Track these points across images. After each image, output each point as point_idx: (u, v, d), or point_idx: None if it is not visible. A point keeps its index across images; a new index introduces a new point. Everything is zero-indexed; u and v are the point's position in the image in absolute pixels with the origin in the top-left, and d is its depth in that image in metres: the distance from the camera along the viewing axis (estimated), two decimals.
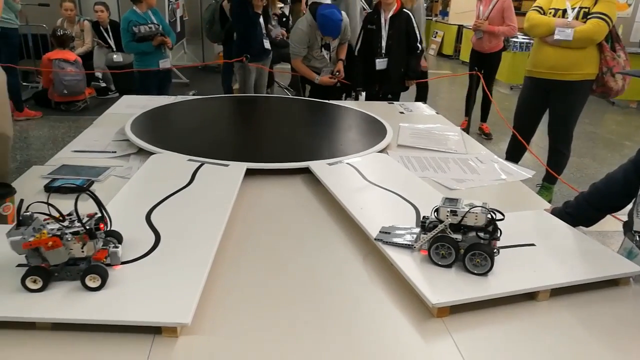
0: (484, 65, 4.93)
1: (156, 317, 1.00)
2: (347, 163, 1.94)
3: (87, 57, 5.83)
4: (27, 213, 1.10)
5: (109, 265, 1.12)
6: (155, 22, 4.16)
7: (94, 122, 2.47)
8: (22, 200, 1.10)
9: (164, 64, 4.26)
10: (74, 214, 1.10)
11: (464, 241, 1.19)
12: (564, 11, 3.17)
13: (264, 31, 4.16)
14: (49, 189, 1.64)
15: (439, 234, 1.20)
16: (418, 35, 3.55)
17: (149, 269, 1.15)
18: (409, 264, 1.22)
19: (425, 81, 4.59)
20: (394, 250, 1.28)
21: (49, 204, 1.10)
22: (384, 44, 3.46)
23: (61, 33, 5.39)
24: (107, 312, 1.00)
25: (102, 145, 2.11)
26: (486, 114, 5.20)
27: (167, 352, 0.97)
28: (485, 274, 1.17)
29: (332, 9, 3.41)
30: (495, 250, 1.18)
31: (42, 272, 1.05)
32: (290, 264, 1.31)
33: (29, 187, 1.67)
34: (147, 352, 0.97)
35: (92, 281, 1.06)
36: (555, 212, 1.57)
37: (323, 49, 3.57)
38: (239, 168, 1.81)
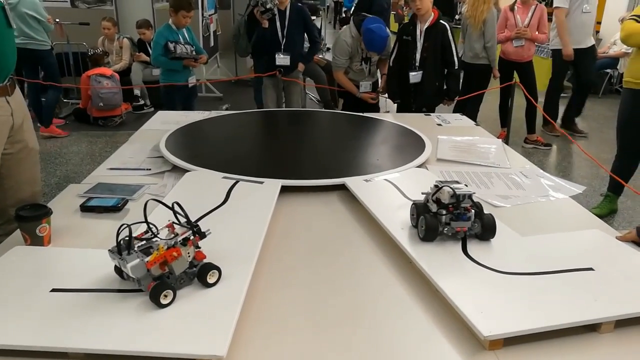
0: (519, 74, 4.79)
1: (191, 349, 0.95)
2: (385, 179, 1.87)
3: (124, 74, 5.95)
4: (127, 237, 1.11)
5: None
6: (187, 39, 4.17)
7: (130, 139, 2.48)
8: (125, 225, 1.11)
9: (192, 80, 4.27)
10: (154, 227, 1.16)
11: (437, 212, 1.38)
12: None
13: (281, 46, 3.96)
14: (85, 208, 1.64)
15: (424, 200, 1.44)
16: (454, 49, 3.40)
17: (184, 293, 1.11)
18: (457, 291, 1.14)
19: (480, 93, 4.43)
20: (442, 277, 1.20)
21: (148, 223, 1.15)
22: (418, 56, 3.36)
23: (92, 53, 5.55)
24: (140, 343, 0.96)
25: (137, 162, 2.10)
26: (533, 125, 5.02)
27: None
28: (422, 239, 1.37)
29: (379, 23, 3.34)
30: (452, 229, 1.36)
31: (168, 286, 1.08)
32: (328, 288, 1.25)
33: (67, 205, 1.67)
34: None
35: (211, 277, 1.14)
36: None
37: (363, 62, 3.51)
38: (274, 185, 1.77)
